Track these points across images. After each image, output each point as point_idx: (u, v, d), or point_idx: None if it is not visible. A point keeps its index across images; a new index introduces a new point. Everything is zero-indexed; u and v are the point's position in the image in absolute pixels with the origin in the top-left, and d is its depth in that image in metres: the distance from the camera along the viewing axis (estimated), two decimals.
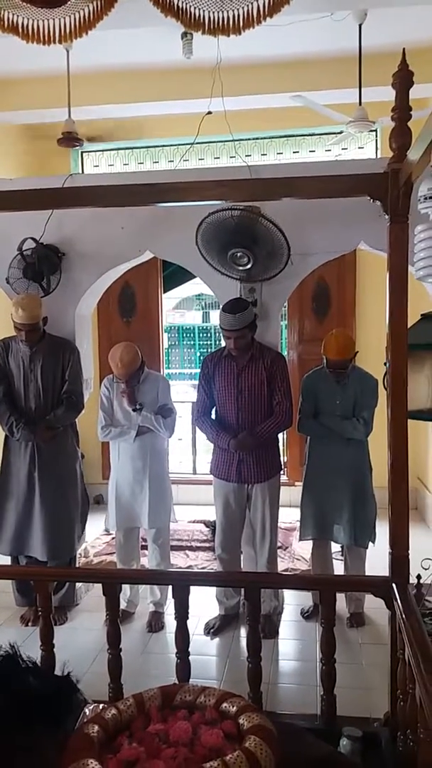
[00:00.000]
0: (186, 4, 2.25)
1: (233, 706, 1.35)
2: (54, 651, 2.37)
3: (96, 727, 1.29)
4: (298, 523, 3.72)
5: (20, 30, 2.48)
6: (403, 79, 1.97)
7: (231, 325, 3.24)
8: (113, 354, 3.51)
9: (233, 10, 2.25)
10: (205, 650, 3.37)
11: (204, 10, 2.27)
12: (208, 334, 12.30)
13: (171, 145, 5.96)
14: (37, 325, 3.46)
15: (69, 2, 2.39)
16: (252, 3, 2.23)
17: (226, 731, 1.28)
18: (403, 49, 1.98)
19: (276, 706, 2.81)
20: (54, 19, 2.45)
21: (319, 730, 2.07)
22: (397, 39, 3.79)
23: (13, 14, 2.47)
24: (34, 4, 2.38)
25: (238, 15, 2.25)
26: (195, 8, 2.28)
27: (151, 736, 1.28)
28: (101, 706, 1.46)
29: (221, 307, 3.33)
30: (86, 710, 1.46)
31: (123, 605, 3.56)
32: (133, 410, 3.55)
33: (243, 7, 2.24)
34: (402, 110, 1.99)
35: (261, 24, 2.31)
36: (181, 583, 2.35)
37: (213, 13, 2.26)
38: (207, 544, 4.69)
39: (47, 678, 1.31)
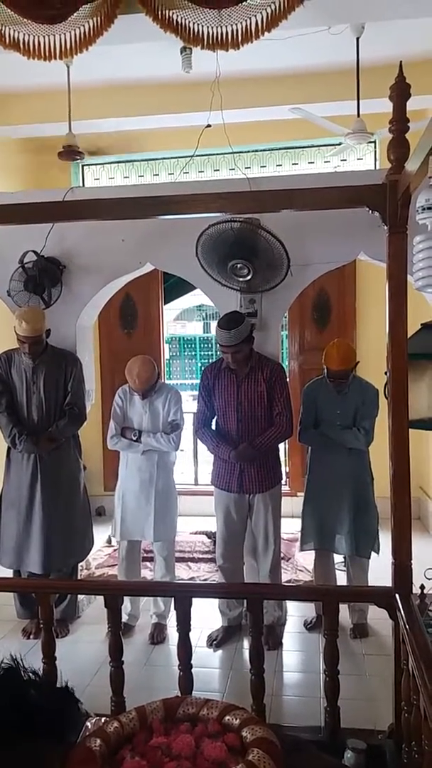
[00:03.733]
0: (185, 20, 2.28)
1: (236, 719, 1.34)
2: (56, 664, 2.36)
3: (98, 741, 1.28)
4: (300, 534, 3.71)
5: (22, 46, 2.51)
6: (400, 92, 2.00)
7: (227, 341, 3.25)
8: (131, 368, 3.54)
9: (231, 26, 2.29)
10: (207, 662, 3.35)
11: (203, 26, 2.31)
12: (209, 345, 12.33)
13: (171, 158, 6.00)
14: (40, 337, 3.48)
15: (69, 19, 2.42)
16: (250, 18, 2.26)
17: (229, 744, 1.27)
18: (400, 61, 2.00)
19: (279, 718, 2.80)
20: (55, 36, 2.49)
21: (323, 743, 2.06)
22: (394, 52, 3.83)
23: (15, 31, 2.50)
24: (36, 20, 2.41)
25: (237, 30, 2.28)
26: (194, 24, 2.31)
27: (153, 750, 1.27)
28: (103, 719, 1.46)
29: (217, 322, 3.34)
30: (88, 724, 1.45)
31: (124, 618, 3.55)
32: (135, 440, 3.58)
33: (241, 23, 2.27)
34: (399, 122, 2.01)
35: (259, 39, 2.34)
36: (183, 595, 2.34)
37: (211, 28, 2.29)
38: (209, 556, 4.67)
39: (49, 690, 1.31)
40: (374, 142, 5.22)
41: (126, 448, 3.65)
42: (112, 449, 3.79)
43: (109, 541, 4.82)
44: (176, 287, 6.16)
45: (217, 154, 5.72)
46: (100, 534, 4.06)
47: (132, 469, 3.67)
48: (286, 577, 4.22)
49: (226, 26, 2.31)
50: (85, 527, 3.74)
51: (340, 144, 4.78)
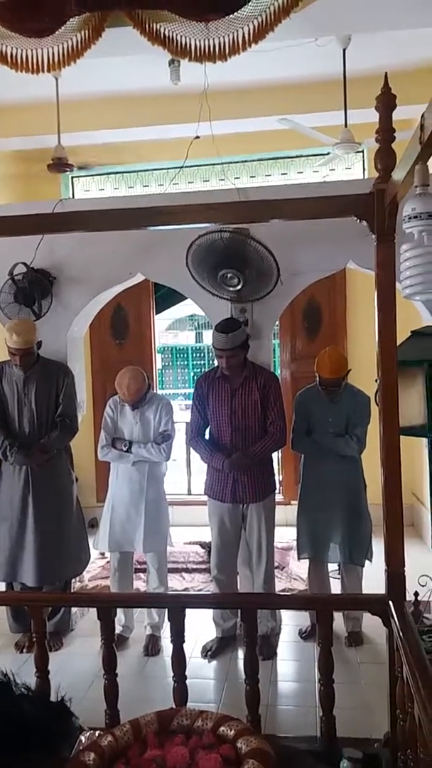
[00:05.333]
0: (172, 32, 2.30)
1: (231, 730, 1.34)
2: (49, 677, 2.34)
3: (92, 755, 1.27)
4: (295, 542, 3.71)
5: (9, 59, 2.52)
6: (386, 102, 2.01)
7: (223, 344, 3.26)
8: (120, 380, 3.55)
9: (219, 38, 2.30)
10: (202, 673, 3.34)
11: (190, 38, 2.32)
12: (201, 354, 12.35)
13: (161, 169, 6.02)
14: (31, 349, 3.47)
15: (57, 32, 2.43)
16: (237, 31, 2.28)
17: (224, 755, 1.27)
18: (386, 72, 2.02)
19: (275, 728, 2.77)
20: (43, 49, 2.50)
21: (318, 753, 2.05)
22: (380, 62, 3.87)
23: (3, 44, 2.51)
24: (23, 34, 2.42)
25: (224, 42, 2.30)
26: (181, 36, 2.33)
27: (148, 763, 1.26)
28: (97, 732, 1.45)
29: (214, 327, 3.36)
30: (82, 737, 1.44)
31: (118, 630, 3.52)
32: (125, 451, 3.58)
33: (228, 35, 2.28)
34: (386, 132, 2.03)
35: (246, 50, 2.36)
36: (177, 606, 2.33)
37: (199, 40, 2.31)
38: (203, 566, 4.65)
39: (42, 705, 1.30)
40: (362, 151, 5.26)
41: (116, 458, 3.64)
42: (102, 460, 3.79)
43: (103, 553, 4.80)
44: (167, 297, 6.17)
45: (207, 165, 5.75)
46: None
47: (122, 479, 3.66)
48: (280, 586, 4.21)
49: (214, 38, 2.33)
50: (79, 539, 3.72)
51: (328, 154, 4.82)
